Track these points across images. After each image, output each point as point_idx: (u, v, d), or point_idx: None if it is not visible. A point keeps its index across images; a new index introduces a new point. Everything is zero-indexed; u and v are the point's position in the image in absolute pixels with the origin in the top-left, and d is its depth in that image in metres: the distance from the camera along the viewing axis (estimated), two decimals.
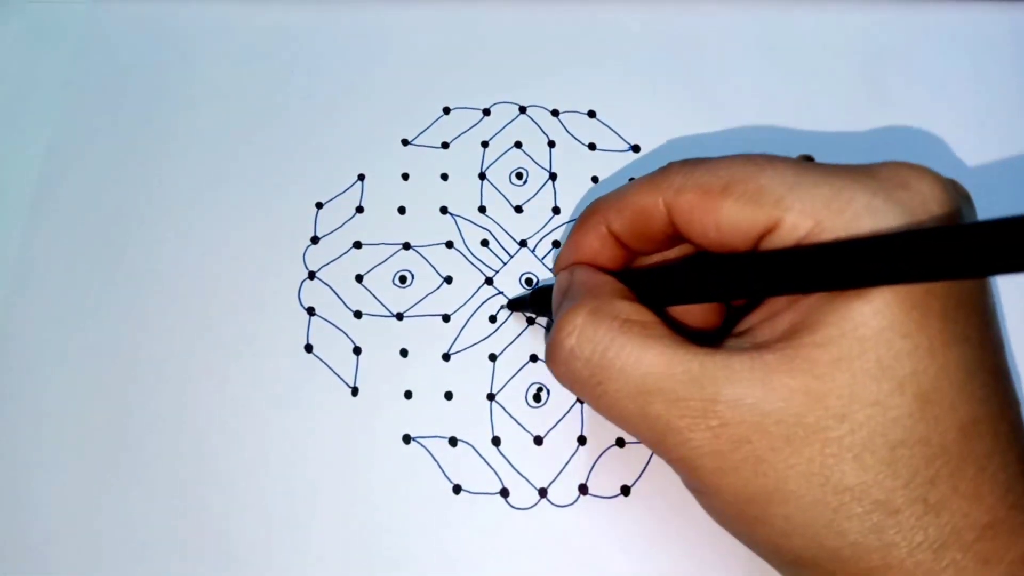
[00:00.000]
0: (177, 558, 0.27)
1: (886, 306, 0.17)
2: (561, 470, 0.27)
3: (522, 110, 0.32)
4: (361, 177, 0.32)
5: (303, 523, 0.27)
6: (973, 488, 0.17)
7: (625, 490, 0.27)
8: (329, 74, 0.33)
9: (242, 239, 0.30)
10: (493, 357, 0.29)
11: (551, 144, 0.32)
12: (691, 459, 0.19)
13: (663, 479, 0.27)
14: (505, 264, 0.30)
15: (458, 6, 0.34)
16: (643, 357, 0.19)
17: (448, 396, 0.28)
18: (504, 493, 0.27)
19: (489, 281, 0.30)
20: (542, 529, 0.27)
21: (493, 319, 0.29)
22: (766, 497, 0.18)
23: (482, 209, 0.31)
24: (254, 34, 0.34)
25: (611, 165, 0.32)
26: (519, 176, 0.32)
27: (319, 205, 0.31)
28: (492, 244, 0.30)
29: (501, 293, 0.30)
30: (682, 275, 0.21)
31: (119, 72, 0.33)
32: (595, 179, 0.31)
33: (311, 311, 0.30)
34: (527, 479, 0.27)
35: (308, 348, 0.29)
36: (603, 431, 0.28)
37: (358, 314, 0.29)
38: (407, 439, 0.28)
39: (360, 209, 0.31)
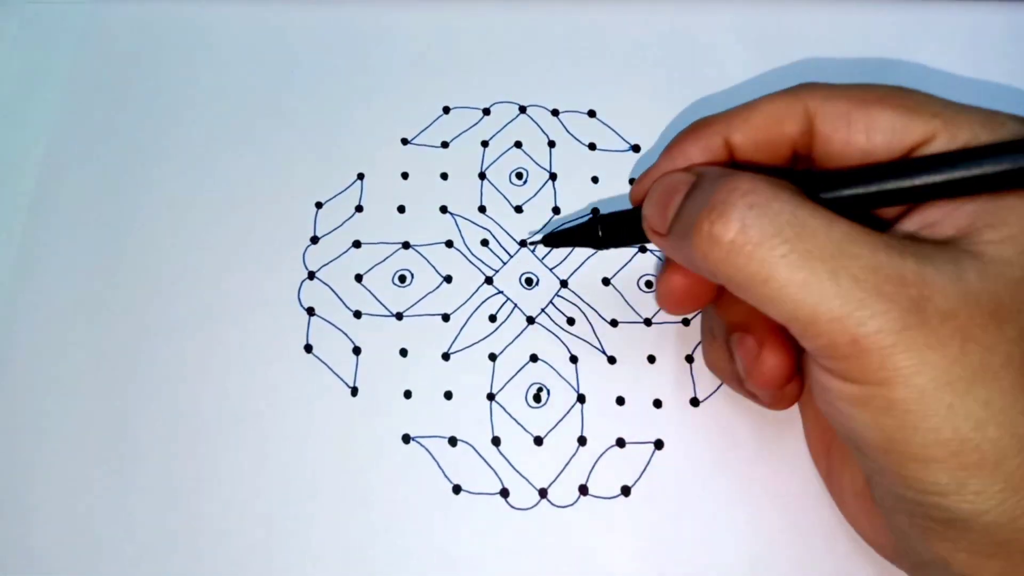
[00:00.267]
0: (176, 558, 0.26)
1: None
2: (561, 470, 0.27)
3: (522, 110, 0.32)
4: (361, 176, 0.31)
5: (303, 523, 0.27)
6: None
7: (625, 490, 0.27)
8: (329, 74, 0.33)
9: (242, 239, 0.30)
10: (493, 357, 0.29)
11: (551, 144, 0.32)
12: (885, 333, 0.17)
13: (663, 479, 0.27)
14: (505, 264, 0.30)
15: (458, 6, 0.34)
16: (836, 222, 0.18)
17: (448, 396, 0.28)
18: (504, 493, 0.27)
19: (489, 281, 0.30)
20: (542, 529, 0.26)
21: (493, 318, 0.29)
22: (969, 378, 0.17)
23: (482, 209, 0.31)
24: (254, 34, 0.34)
25: (611, 165, 0.31)
26: (519, 176, 0.32)
27: (319, 205, 0.31)
28: (492, 244, 0.30)
29: (501, 292, 0.30)
30: (847, 176, 0.20)
31: (119, 72, 0.33)
32: (595, 179, 0.31)
33: (311, 311, 0.29)
34: (527, 479, 0.27)
35: (308, 348, 0.29)
36: (603, 431, 0.28)
37: (358, 314, 0.29)
38: (407, 439, 0.28)
39: (360, 208, 0.31)
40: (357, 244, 0.30)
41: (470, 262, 0.30)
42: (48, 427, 0.28)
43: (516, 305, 0.29)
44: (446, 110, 0.32)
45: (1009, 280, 0.17)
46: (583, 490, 0.27)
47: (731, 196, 0.19)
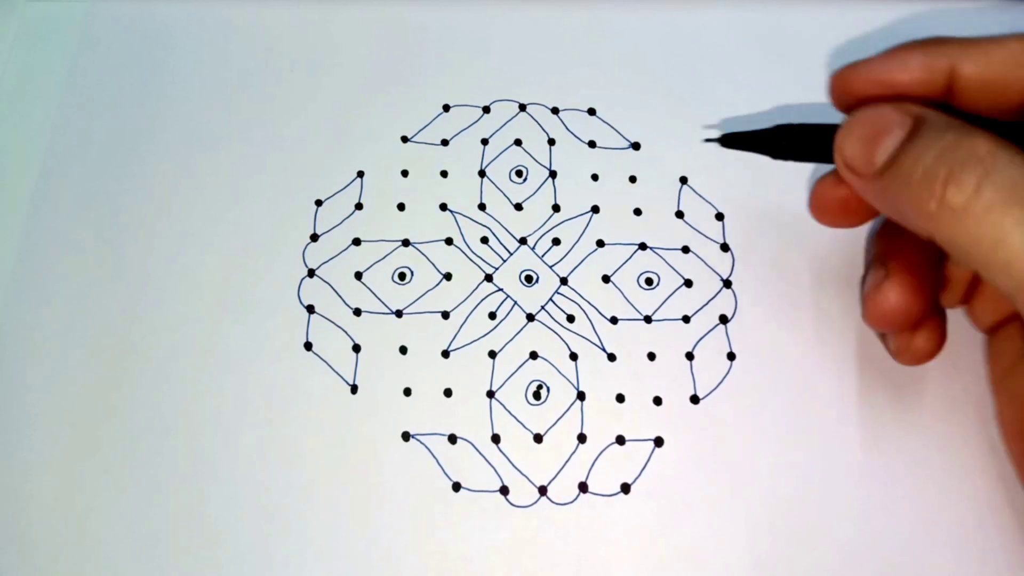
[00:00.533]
0: (175, 556, 0.26)
1: None
2: (561, 468, 0.27)
3: (522, 108, 0.32)
4: (360, 174, 0.31)
5: (302, 521, 0.27)
6: None
7: (625, 488, 0.27)
8: (329, 72, 0.33)
9: (241, 237, 0.30)
10: (493, 354, 0.29)
11: (551, 142, 0.32)
12: None
13: (663, 477, 0.27)
14: (505, 261, 0.30)
15: (458, 4, 0.34)
16: None
17: (447, 393, 0.28)
18: (504, 491, 0.27)
19: (489, 278, 0.30)
20: (542, 527, 0.26)
21: (493, 316, 0.29)
22: None
23: (482, 206, 0.31)
24: (254, 33, 0.34)
25: (611, 163, 0.31)
26: (519, 173, 0.32)
27: (318, 202, 0.31)
28: (492, 241, 0.30)
29: (501, 290, 0.30)
30: None
31: (118, 72, 0.33)
32: (595, 177, 0.31)
33: (310, 309, 0.29)
34: (527, 477, 0.27)
35: (307, 346, 0.29)
36: (603, 429, 0.28)
37: (357, 311, 0.29)
38: (406, 436, 0.28)
39: (359, 206, 0.31)
40: (357, 242, 0.30)
41: (470, 259, 0.30)
42: (47, 425, 0.28)
43: (516, 302, 0.29)
44: (446, 108, 0.32)
45: None
46: (583, 488, 0.27)
47: (969, 159, 0.18)
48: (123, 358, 0.29)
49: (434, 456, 0.27)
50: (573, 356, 0.29)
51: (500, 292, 0.30)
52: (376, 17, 0.34)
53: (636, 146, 0.32)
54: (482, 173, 0.32)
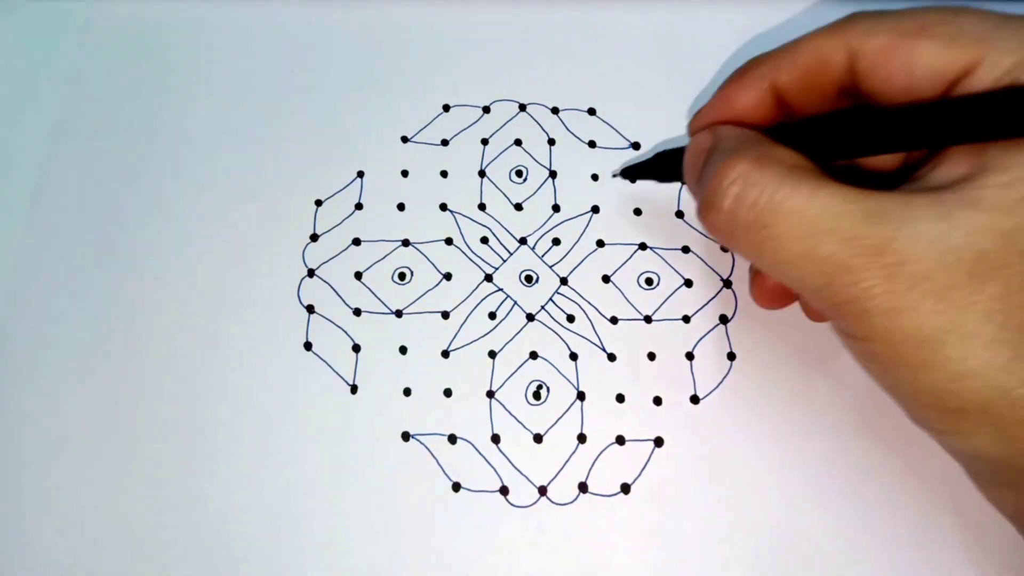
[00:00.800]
0: (175, 556, 0.26)
1: None
2: (561, 468, 0.27)
3: (522, 108, 0.32)
4: (360, 174, 0.31)
5: (302, 521, 0.27)
6: None
7: (625, 488, 0.27)
8: (329, 72, 0.33)
9: (241, 236, 0.30)
10: (493, 354, 0.29)
11: (551, 142, 0.32)
12: (862, 299, 0.18)
13: (663, 477, 0.27)
14: (505, 261, 0.30)
15: (458, 4, 0.34)
16: (815, 197, 0.19)
17: (447, 393, 0.28)
18: (504, 491, 0.27)
19: (489, 278, 0.30)
20: (542, 527, 0.26)
21: (493, 316, 0.29)
22: (941, 338, 0.18)
23: (482, 206, 0.31)
24: (254, 33, 0.34)
25: (611, 163, 0.31)
26: (519, 174, 0.32)
27: (318, 202, 0.31)
28: (492, 241, 0.30)
29: (501, 290, 0.30)
30: (857, 121, 0.20)
31: (118, 72, 0.33)
32: (595, 177, 0.31)
33: (310, 309, 0.29)
34: (527, 477, 0.27)
35: (307, 346, 0.29)
36: (603, 429, 0.28)
37: (357, 311, 0.29)
38: (406, 436, 0.28)
39: (359, 206, 0.31)
40: (357, 242, 0.30)
41: (470, 260, 0.30)
42: (47, 425, 0.28)
43: (516, 302, 0.29)
44: (446, 108, 0.32)
45: (1000, 232, 0.17)
46: (583, 488, 0.27)
47: (720, 184, 0.20)
48: (123, 358, 0.29)
49: (434, 456, 0.27)
50: (573, 356, 0.29)
51: (500, 292, 0.30)
52: (376, 18, 0.34)
53: (636, 146, 0.32)
54: (482, 173, 0.32)
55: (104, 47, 0.34)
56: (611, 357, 0.29)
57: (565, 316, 0.29)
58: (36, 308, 0.30)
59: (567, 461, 0.27)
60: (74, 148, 0.32)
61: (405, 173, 0.32)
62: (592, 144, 0.32)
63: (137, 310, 0.30)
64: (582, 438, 0.28)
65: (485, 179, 0.31)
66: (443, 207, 0.31)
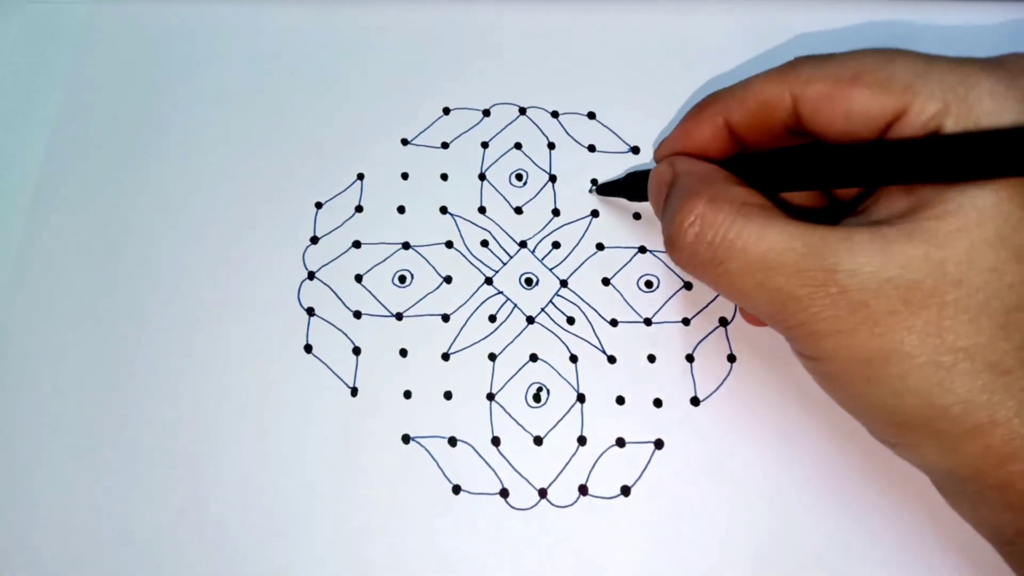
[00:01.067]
0: (176, 557, 0.26)
1: (1007, 183, 0.18)
2: (561, 470, 0.27)
3: (522, 111, 0.33)
4: (360, 177, 0.32)
5: (302, 523, 0.27)
6: None
7: (625, 490, 0.27)
8: (329, 73, 0.33)
9: (241, 239, 0.30)
10: (493, 357, 0.29)
11: (551, 145, 0.32)
12: (810, 324, 0.20)
13: (663, 479, 0.27)
14: (505, 264, 0.30)
15: (459, 6, 0.34)
16: (764, 235, 0.20)
17: (447, 396, 0.28)
18: (504, 493, 0.27)
19: (489, 281, 0.30)
20: (542, 530, 0.26)
21: (493, 319, 0.29)
22: (882, 358, 0.19)
23: (482, 210, 0.31)
24: (254, 34, 0.34)
25: (611, 167, 0.32)
26: (519, 177, 0.32)
27: (318, 205, 0.31)
28: (492, 244, 0.30)
29: (501, 292, 0.30)
30: (800, 160, 0.22)
31: (119, 72, 0.33)
32: (595, 181, 0.31)
33: (310, 311, 0.29)
34: (527, 479, 0.27)
35: (307, 348, 0.29)
36: (603, 431, 0.28)
37: (357, 314, 0.29)
38: (406, 439, 0.28)
39: (359, 209, 0.31)
40: (357, 244, 0.30)
41: (470, 263, 0.30)
42: (47, 427, 0.28)
43: (516, 305, 0.29)
44: (446, 111, 0.33)
45: (933, 263, 0.19)
46: (583, 490, 0.27)
47: (682, 225, 0.22)
48: (123, 360, 0.29)
49: (434, 459, 0.27)
50: (573, 358, 0.29)
51: (500, 295, 0.30)
52: (376, 20, 0.34)
53: (636, 150, 0.32)
54: (482, 176, 0.32)
55: (104, 47, 0.34)
56: (611, 359, 0.29)
57: (565, 319, 0.29)
58: (36, 310, 0.30)
59: (567, 463, 0.27)
60: (74, 149, 0.32)
61: (405, 176, 0.32)
62: (592, 148, 0.32)
63: (137, 312, 0.29)
64: (582, 440, 0.28)
65: (485, 182, 0.32)
66: (443, 210, 0.31)
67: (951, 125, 0.19)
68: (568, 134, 0.32)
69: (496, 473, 0.27)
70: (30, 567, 0.26)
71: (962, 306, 0.19)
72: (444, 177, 0.32)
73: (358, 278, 0.30)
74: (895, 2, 0.34)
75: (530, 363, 0.29)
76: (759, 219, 0.21)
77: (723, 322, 0.29)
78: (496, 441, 0.28)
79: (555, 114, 0.32)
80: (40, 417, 0.28)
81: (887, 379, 0.19)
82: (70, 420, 0.28)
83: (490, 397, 0.28)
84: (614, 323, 0.29)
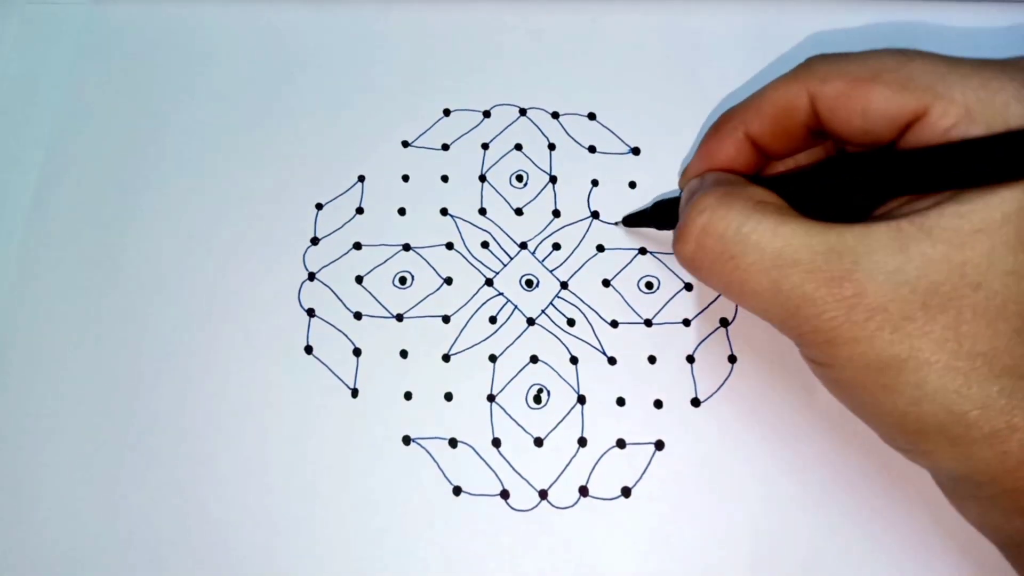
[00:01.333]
0: (177, 559, 0.26)
1: None
2: (561, 472, 0.27)
3: (522, 112, 0.33)
4: (361, 178, 0.32)
5: (303, 524, 0.27)
6: None
7: (626, 492, 0.27)
8: (329, 74, 0.33)
9: (242, 240, 0.30)
10: (493, 358, 0.29)
11: (551, 147, 0.32)
12: (825, 330, 0.19)
13: (664, 480, 0.27)
14: (505, 266, 0.30)
15: (459, 7, 0.34)
16: (780, 231, 0.20)
17: (448, 397, 0.28)
18: (504, 495, 0.27)
19: (489, 283, 0.30)
20: (542, 531, 0.26)
21: (493, 320, 0.29)
22: (899, 365, 0.19)
23: (482, 211, 0.31)
24: (254, 34, 0.34)
25: (611, 168, 0.32)
26: (519, 178, 0.32)
27: (319, 206, 0.31)
28: (492, 246, 0.30)
29: (501, 294, 0.30)
30: (830, 174, 0.21)
31: (119, 72, 0.33)
32: (595, 182, 0.31)
33: (311, 312, 0.29)
34: (527, 481, 0.27)
35: (308, 349, 0.29)
36: (604, 432, 0.28)
37: (358, 315, 0.29)
38: (407, 440, 0.28)
39: (360, 210, 0.31)
40: (358, 246, 0.30)
41: (470, 264, 0.30)
42: (47, 428, 0.28)
43: (516, 307, 0.29)
44: (447, 112, 0.33)
45: (952, 265, 0.18)
46: (583, 491, 0.27)
47: (690, 216, 0.21)
48: (124, 361, 0.29)
49: (435, 460, 0.27)
50: (573, 360, 0.29)
51: (500, 296, 0.30)
52: (377, 22, 0.34)
53: (636, 151, 0.32)
54: (483, 178, 0.32)
55: (104, 48, 0.34)
56: (611, 361, 0.29)
57: (565, 320, 0.29)
58: (36, 311, 0.30)
59: (568, 465, 0.27)
60: (74, 150, 0.32)
61: (406, 177, 0.32)
62: (592, 149, 0.32)
63: (137, 313, 0.29)
64: (583, 442, 0.28)
65: (486, 183, 0.32)
66: (444, 211, 0.31)
67: (976, 130, 0.18)
68: (568, 135, 0.32)
69: (497, 474, 0.27)
70: (32, 568, 0.26)
71: (980, 310, 0.18)
72: (444, 179, 0.32)
73: (359, 279, 0.30)
74: (899, 3, 0.34)
75: (530, 364, 0.29)
76: (774, 215, 0.20)
77: (724, 323, 0.29)
78: (497, 442, 0.28)
79: (555, 115, 0.33)
80: (41, 418, 0.28)
81: (904, 386, 0.19)
82: (71, 421, 0.28)
83: (491, 398, 0.28)
84: (614, 324, 0.29)
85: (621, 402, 0.28)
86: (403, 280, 0.30)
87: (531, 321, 0.29)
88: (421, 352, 0.29)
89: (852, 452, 0.27)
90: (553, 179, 0.32)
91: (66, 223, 0.31)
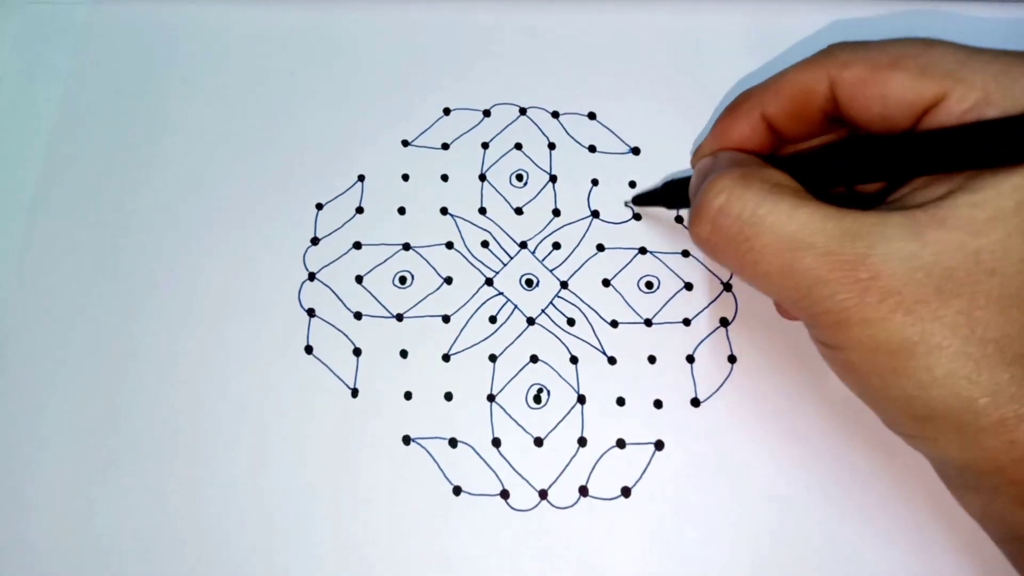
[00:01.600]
0: (177, 558, 0.26)
1: None
2: (561, 472, 0.27)
3: (522, 112, 0.33)
4: (361, 178, 0.31)
5: (303, 524, 0.27)
6: None
7: (626, 492, 0.27)
8: (329, 74, 0.33)
9: (242, 240, 0.30)
10: (493, 358, 0.29)
11: (551, 146, 0.32)
12: (837, 311, 0.19)
13: (664, 480, 0.27)
14: (505, 265, 0.30)
15: (459, 7, 0.34)
16: (795, 214, 0.20)
17: (448, 397, 0.28)
18: (504, 495, 0.27)
19: (489, 282, 0.30)
20: (542, 531, 0.26)
21: (493, 320, 0.29)
22: (910, 348, 0.19)
23: (482, 210, 0.31)
24: (255, 35, 0.34)
25: (611, 167, 0.32)
26: (519, 178, 0.32)
27: (319, 206, 0.31)
28: (492, 245, 0.30)
29: (501, 294, 0.30)
30: (842, 155, 0.21)
31: (119, 72, 0.33)
32: (595, 181, 0.31)
33: (311, 312, 0.29)
34: (527, 480, 0.27)
35: (308, 349, 0.29)
36: (604, 432, 0.28)
37: (358, 315, 0.29)
38: (407, 440, 0.28)
39: (360, 210, 0.31)
40: (358, 245, 0.30)
41: (470, 263, 0.30)
42: (47, 427, 0.28)
43: (516, 306, 0.29)
44: (447, 112, 0.32)
45: (967, 252, 0.18)
46: (583, 491, 0.27)
47: (707, 196, 0.21)
48: (123, 361, 0.29)
49: (435, 460, 0.27)
50: (573, 359, 0.29)
51: (500, 296, 0.30)
52: (376, 21, 0.34)
53: (636, 151, 0.32)
54: (483, 177, 0.32)
55: (104, 48, 0.34)
56: (611, 360, 0.29)
57: (565, 320, 0.29)
58: (35, 310, 0.30)
59: (568, 465, 0.27)
60: (74, 150, 0.32)
61: (406, 177, 0.32)
62: (592, 148, 0.32)
63: (138, 313, 0.29)
64: (583, 442, 0.28)
65: (485, 183, 0.31)
66: (444, 211, 0.31)
67: (992, 113, 0.19)
68: (568, 134, 0.32)
69: (496, 474, 0.27)
70: (29, 567, 0.26)
71: (994, 296, 0.18)
72: (444, 178, 0.32)
73: (359, 279, 0.30)
74: (896, 3, 0.33)
75: (530, 364, 0.29)
76: (791, 198, 0.20)
77: (724, 323, 0.29)
78: (497, 442, 0.28)
79: (555, 114, 0.32)
80: (40, 417, 0.28)
81: (914, 370, 0.19)
82: (70, 421, 0.28)
83: (490, 398, 0.28)
84: (614, 324, 0.29)
85: (621, 402, 0.28)
86: (403, 280, 0.30)
87: (531, 321, 0.29)
88: (421, 352, 0.29)
89: (852, 452, 0.27)
90: (553, 178, 0.32)
91: (66, 223, 0.31)
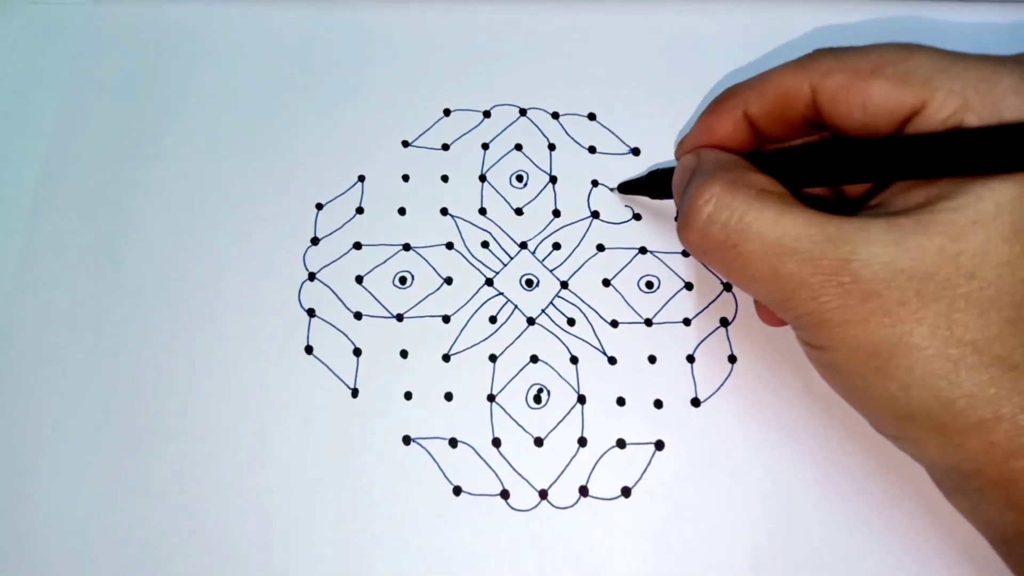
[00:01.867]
0: (177, 558, 0.26)
1: None
2: (562, 472, 0.27)
3: (522, 112, 0.33)
4: (361, 178, 0.32)
5: (303, 524, 0.27)
6: None
7: (626, 492, 0.27)
8: (329, 74, 0.33)
9: (242, 240, 0.30)
10: (493, 358, 0.29)
11: (551, 147, 0.32)
12: (820, 312, 0.20)
13: (664, 480, 0.27)
14: (505, 266, 0.30)
15: (459, 8, 0.34)
16: (780, 220, 0.20)
17: (448, 397, 0.28)
18: (504, 495, 0.27)
19: (489, 282, 0.30)
20: (542, 531, 0.26)
21: (493, 320, 0.29)
22: (890, 349, 0.19)
23: (482, 211, 0.31)
24: (254, 34, 0.34)
25: (611, 168, 0.32)
26: (519, 178, 0.32)
27: (319, 206, 0.31)
28: (492, 246, 0.30)
29: (501, 294, 0.30)
30: (824, 155, 0.22)
31: (119, 72, 0.33)
32: (595, 182, 0.31)
33: (311, 312, 0.29)
34: (527, 480, 0.27)
35: (308, 350, 0.29)
36: (604, 432, 0.28)
37: (358, 315, 0.29)
38: (407, 440, 0.28)
39: (360, 210, 0.31)
40: (358, 246, 0.30)
41: (470, 264, 0.30)
42: (48, 428, 0.28)
43: (516, 306, 0.29)
44: (447, 112, 0.33)
45: (947, 256, 0.19)
46: (583, 491, 0.27)
47: (696, 204, 0.22)
48: (124, 361, 0.29)
49: (435, 460, 0.27)
50: (574, 359, 0.29)
51: (501, 296, 0.30)
52: (377, 21, 0.34)
53: (636, 152, 0.32)
54: (483, 177, 0.32)
55: (104, 47, 0.34)
56: (612, 360, 0.29)
57: (566, 320, 0.29)
58: (35, 311, 0.30)
59: (568, 465, 0.27)
60: (74, 150, 0.32)
61: (406, 177, 0.32)
62: (592, 149, 0.32)
63: (137, 314, 0.29)
64: (583, 442, 0.28)
65: (486, 183, 0.32)
66: (444, 211, 0.31)
67: (972, 120, 0.19)
68: (568, 135, 0.32)
69: (497, 474, 0.27)
70: (31, 567, 0.26)
71: (973, 299, 0.19)
72: (445, 178, 0.32)
73: (359, 279, 0.30)
74: (896, 3, 0.34)
75: (531, 364, 0.29)
76: (776, 205, 0.21)
77: (724, 323, 0.29)
78: (497, 442, 0.28)
79: (555, 115, 0.33)
80: (41, 417, 0.28)
81: (894, 370, 0.19)
82: (71, 421, 0.28)
83: (491, 398, 0.28)
84: (614, 324, 0.29)
85: (621, 402, 0.28)
86: (403, 280, 0.30)
87: (531, 321, 0.29)
88: (421, 352, 0.29)
89: (851, 451, 0.27)
90: (553, 179, 0.32)
91: (66, 223, 0.31)
